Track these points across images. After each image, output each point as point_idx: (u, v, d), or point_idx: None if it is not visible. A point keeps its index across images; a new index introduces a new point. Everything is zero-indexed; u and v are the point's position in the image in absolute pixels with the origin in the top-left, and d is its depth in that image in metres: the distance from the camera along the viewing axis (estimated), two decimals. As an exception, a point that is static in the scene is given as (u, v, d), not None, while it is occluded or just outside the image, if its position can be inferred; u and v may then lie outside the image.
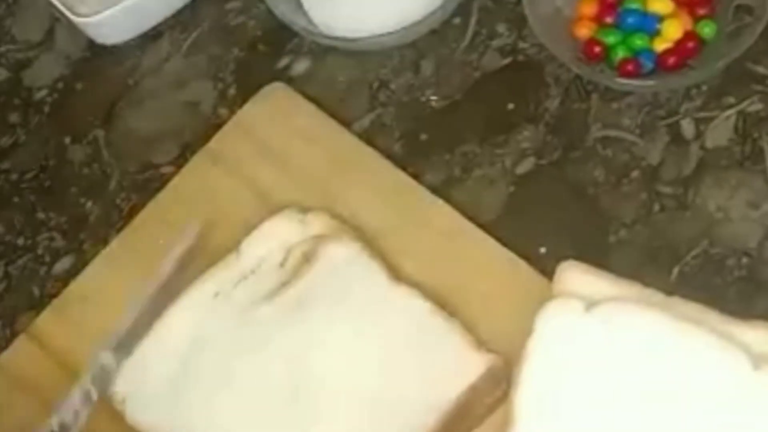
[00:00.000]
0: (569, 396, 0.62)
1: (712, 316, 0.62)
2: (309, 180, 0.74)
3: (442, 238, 0.71)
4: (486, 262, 0.70)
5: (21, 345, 0.74)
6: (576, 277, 0.65)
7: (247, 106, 0.79)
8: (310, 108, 0.78)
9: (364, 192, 0.73)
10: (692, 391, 0.61)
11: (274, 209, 0.72)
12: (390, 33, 0.77)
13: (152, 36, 0.85)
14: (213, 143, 0.78)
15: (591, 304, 0.63)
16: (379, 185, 0.74)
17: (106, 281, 0.74)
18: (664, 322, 0.62)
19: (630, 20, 0.75)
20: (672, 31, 0.74)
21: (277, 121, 0.77)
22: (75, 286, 0.75)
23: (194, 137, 0.80)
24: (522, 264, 0.69)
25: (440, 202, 0.72)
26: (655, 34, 0.75)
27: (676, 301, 0.63)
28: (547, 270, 0.68)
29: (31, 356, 0.73)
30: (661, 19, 0.75)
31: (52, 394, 0.70)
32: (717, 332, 0.61)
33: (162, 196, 0.77)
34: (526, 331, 0.63)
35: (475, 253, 0.70)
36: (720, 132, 0.73)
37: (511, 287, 0.68)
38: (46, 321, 0.75)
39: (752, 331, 0.61)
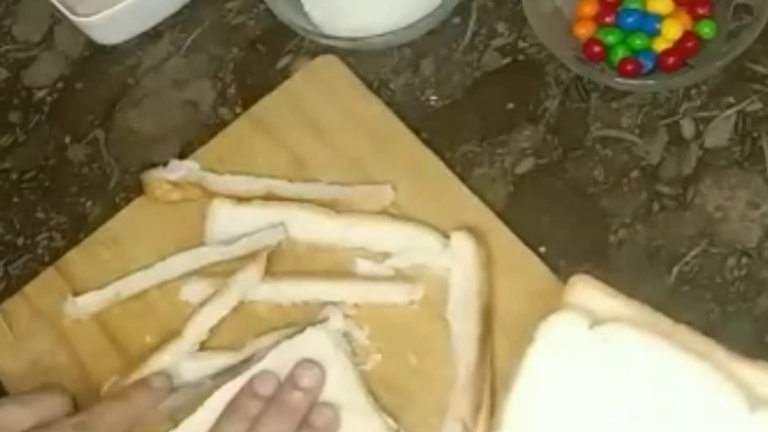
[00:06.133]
0: (558, 409, 0.62)
1: (718, 351, 0.62)
2: (344, 155, 0.75)
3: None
4: (505, 256, 0.70)
5: (48, 277, 0.76)
6: (586, 292, 0.64)
7: (296, 75, 0.80)
8: (357, 84, 0.78)
9: (397, 173, 0.74)
10: (682, 425, 0.60)
11: (306, 177, 0.75)
12: (389, 33, 0.77)
13: (152, 36, 0.85)
14: (256, 108, 0.79)
15: (595, 322, 0.63)
16: (413, 169, 0.74)
17: (138, 227, 0.75)
18: (665, 351, 0.61)
19: (630, 20, 0.75)
20: (672, 31, 0.74)
21: (323, 94, 0.78)
22: (107, 228, 0.76)
23: (194, 137, 0.80)
24: (542, 266, 0.69)
25: (471, 194, 0.73)
26: (654, 34, 0.75)
27: (683, 330, 0.63)
28: (547, 269, 0.69)
29: (56, 290, 0.74)
30: (660, 19, 0.75)
31: (67, 333, 0.73)
32: (719, 368, 0.61)
33: (202, 151, 0.78)
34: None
35: (494, 246, 0.71)
36: (719, 132, 0.73)
37: (529, 288, 0.69)
38: (75, 257, 0.76)
39: (756, 371, 0.61)
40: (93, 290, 0.73)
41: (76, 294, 0.73)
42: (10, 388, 0.72)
